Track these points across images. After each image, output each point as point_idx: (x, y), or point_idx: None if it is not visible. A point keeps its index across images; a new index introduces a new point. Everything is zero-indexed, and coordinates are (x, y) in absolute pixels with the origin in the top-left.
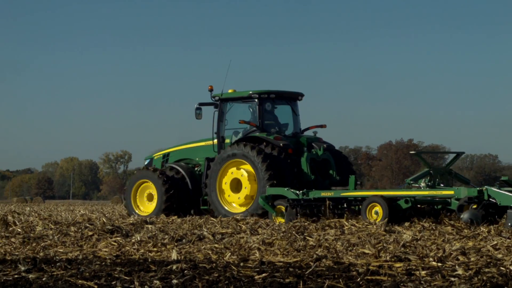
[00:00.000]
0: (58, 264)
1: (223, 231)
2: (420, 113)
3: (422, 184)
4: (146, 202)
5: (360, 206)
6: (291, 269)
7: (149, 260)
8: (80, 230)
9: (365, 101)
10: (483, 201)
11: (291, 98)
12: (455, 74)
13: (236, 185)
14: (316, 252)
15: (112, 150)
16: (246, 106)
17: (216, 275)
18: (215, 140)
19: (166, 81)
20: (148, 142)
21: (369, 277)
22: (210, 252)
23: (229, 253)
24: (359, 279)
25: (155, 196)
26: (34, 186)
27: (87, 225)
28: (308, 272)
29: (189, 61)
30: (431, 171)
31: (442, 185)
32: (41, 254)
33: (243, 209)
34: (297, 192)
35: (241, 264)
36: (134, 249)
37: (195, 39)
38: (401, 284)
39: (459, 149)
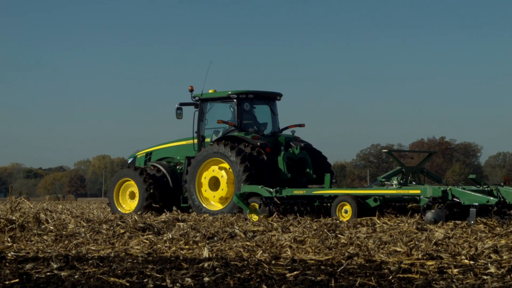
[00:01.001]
0: (90, 261)
1: (255, 228)
2: (452, 110)
3: (395, 182)
4: (128, 200)
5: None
6: (322, 267)
7: (181, 257)
8: (112, 227)
9: (397, 98)
10: (447, 201)
11: (270, 98)
12: (489, 71)
13: (214, 183)
14: (348, 250)
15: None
16: (226, 106)
17: (248, 273)
18: (196, 139)
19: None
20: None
21: (401, 275)
22: (241, 250)
23: (261, 251)
24: (391, 277)
25: (137, 194)
26: (66, 184)
27: (119, 222)
28: (339, 270)
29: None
30: (403, 170)
31: (414, 183)
32: (73, 251)
33: (221, 206)
34: (271, 190)
35: (273, 262)
36: (165, 246)
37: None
38: (433, 282)
39: (492, 147)
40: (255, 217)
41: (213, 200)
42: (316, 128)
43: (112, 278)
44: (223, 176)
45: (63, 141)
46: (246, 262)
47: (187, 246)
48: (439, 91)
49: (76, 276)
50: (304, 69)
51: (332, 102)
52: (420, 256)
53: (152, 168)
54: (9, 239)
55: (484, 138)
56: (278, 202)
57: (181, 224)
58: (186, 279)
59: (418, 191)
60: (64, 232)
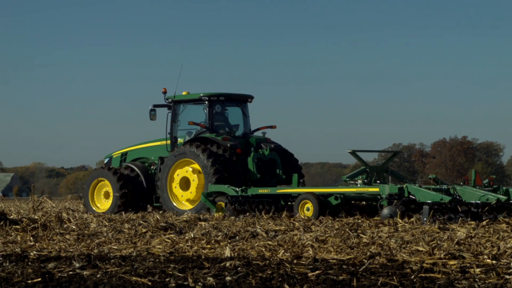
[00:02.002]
0: (112, 260)
1: (276, 228)
2: (474, 109)
3: (359, 181)
4: (103, 200)
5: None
6: (344, 267)
7: (203, 257)
8: (134, 227)
9: (419, 97)
10: (403, 198)
11: (241, 100)
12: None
13: (185, 183)
14: (370, 250)
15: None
16: (198, 107)
17: (270, 272)
18: (169, 140)
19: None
20: None
21: (423, 275)
22: (263, 249)
23: (283, 250)
24: (413, 277)
25: (111, 194)
26: None
27: (141, 222)
28: (361, 269)
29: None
30: (367, 169)
31: (378, 182)
32: (95, 251)
33: (191, 206)
34: (236, 189)
35: (295, 261)
36: (187, 246)
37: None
38: (455, 282)
39: None
40: (220, 215)
41: (184, 200)
42: (336, 127)
43: (134, 278)
44: (193, 177)
45: (85, 140)
46: (268, 262)
47: (209, 246)
48: (461, 90)
49: (98, 275)
50: (320, 69)
51: (352, 102)
52: (442, 255)
53: (126, 168)
54: (31, 238)
55: (507, 137)
56: (241, 200)
57: (203, 223)
58: (208, 278)
59: (377, 189)
60: (86, 231)
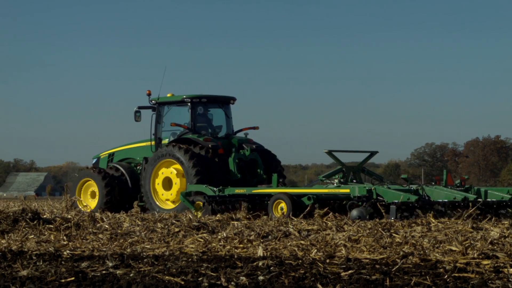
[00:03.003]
0: (145, 260)
1: (309, 227)
2: (508, 109)
3: (336, 181)
4: (90, 199)
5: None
6: (377, 266)
7: (235, 256)
8: (166, 226)
9: (452, 97)
10: (372, 199)
11: (224, 102)
12: None
13: (167, 183)
14: (403, 249)
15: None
16: (182, 109)
17: (302, 271)
18: (154, 141)
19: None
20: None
21: (456, 275)
22: (296, 248)
23: (315, 250)
24: (446, 276)
25: (97, 194)
26: None
27: (174, 221)
28: (394, 269)
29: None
30: (343, 169)
31: (354, 181)
32: (128, 250)
33: (174, 205)
34: (214, 189)
35: (327, 260)
36: (220, 245)
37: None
38: (489, 281)
39: None
40: (199, 215)
41: (166, 199)
42: (365, 127)
43: (167, 277)
44: (175, 178)
45: (118, 140)
46: (300, 261)
47: (241, 245)
48: (495, 89)
49: (131, 275)
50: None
51: (385, 101)
52: (475, 255)
53: (111, 168)
54: (65, 237)
55: None
56: (218, 200)
57: (236, 223)
58: (241, 277)
59: (348, 190)
60: (119, 231)
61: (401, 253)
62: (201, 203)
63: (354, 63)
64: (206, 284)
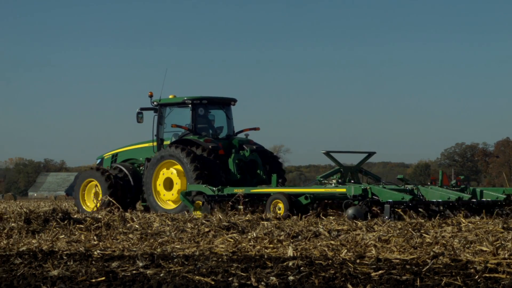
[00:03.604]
0: (175, 260)
1: (339, 227)
2: None
3: (334, 181)
4: (93, 199)
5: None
6: (407, 266)
7: (265, 256)
8: (196, 226)
9: (483, 96)
10: (367, 199)
11: (224, 104)
12: None
13: (169, 184)
14: (433, 249)
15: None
16: (184, 110)
17: (332, 272)
18: (155, 142)
19: None
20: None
21: (487, 275)
22: (326, 248)
23: (345, 250)
24: (477, 277)
25: (100, 194)
26: None
27: (204, 221)
28: (425, 269)
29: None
30: (341, 169)
31: (352, 181)
32: (159, 250)
33: (175, 205)
34: (213, 188)
35: (357, 261)
36: (250, 245)
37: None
38: None
39: None
40: (199, 214)
41: (167, 200)
42: (400, 128)
43: (197, 277)
44: (176, 178)
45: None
46: (330, 261)
47: (271, 245)
48: None
49: (161, 275)
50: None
51: (416, 101)
52: (506, 255)
53: (115, 169)
54: (95, 237)
55: None
56: (217, 199)
57: (265, 223)
58: (271, 278)
59: (344, 190)
60: (149, 231)
61: (432, 253)
62: (200, 203)
63: (376, 61)
64: (236, 284)
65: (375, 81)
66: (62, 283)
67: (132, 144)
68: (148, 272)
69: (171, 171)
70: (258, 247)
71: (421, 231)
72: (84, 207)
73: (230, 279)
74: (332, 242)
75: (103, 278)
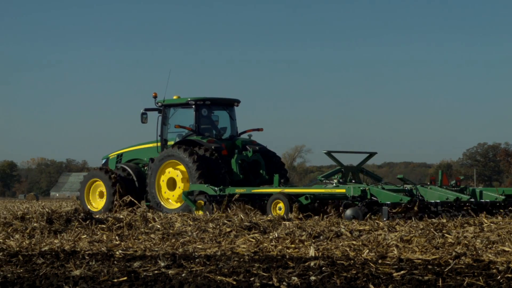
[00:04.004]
0: (197, 260)
1: (361, 228)
2: None
3: (335, 181)
4: (98, 199)
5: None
6: (429, 267)
7: (287, 256)
8: (218, 226)
9: (505, 95)
10: (366, 199)
11: (228, 104)
12: None
13: (172, 184)
14: (455, 250)
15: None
16: (187, 111)
17: (354, 272)
18: (159, 142)
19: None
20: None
21: (509, 275)
22: (347, 249)
23: (367, 250)
24: (499, 277)
25: (105, 194)
26: None
27: (225, 221)
28: (447, 269)
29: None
30: (342, 169)
31: (353, 181)
32: (180, 250)
33: (178, 205)
34: (215, 188)
35: (379, 261)
36: (272, 245)
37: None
38: None
39: None
40: (201, 213)
41: (171, 199)
42: (421, 128)
43: (219, 277)
44: (179, 177)
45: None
46: (352, 261)
47: (293, 245)
48: None
49: (183, 275)
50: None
51: (438, 101)
52: None
53: (119, 169)
54: (117, 237)
55: None
56: (219, 199)
57: (287, 223)
58: (293, 278)
59: (344, 190)
60: (171, 231)
61: (454, 253)
62: (202, 202)
63: (397, 61)
64: (258, 284)
65: (399, 81)
66: (84, 283)
67: (136, 144)
68: (170, 272)
69: (174, 171)
70: (280, 247)
71: (443, 231)
72: (89, 206)
73: (251, 279)
74: (354, 242)
75: (125, 278)
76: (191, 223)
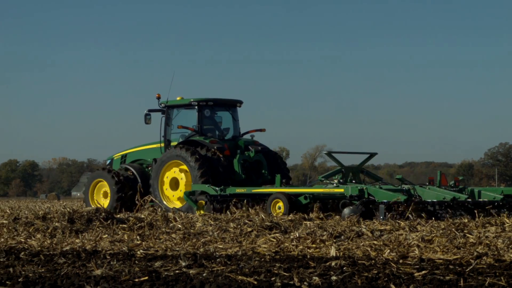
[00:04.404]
0: (218, 259)
1: (382, 228)
2: None
3: (335, 181)
4: (102, 199)
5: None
6: (451, 267)
7: (308, 256)
8: (239, 226)
9: None
10: (363, 199)
11: (230, 105)
12: None
13: (175, 183)
14: (477, 250)
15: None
16: (190, 112)
17: (375, 272)
18: (163, 143)
19: None
20: (304, 138)
21: None
22: (369, 248)
23: (388, 250)
24: None
25: (109, 194)
26: None
27: (246, 221)
28: (468, 269)
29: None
30: (343, 170)
31: (354, 181)
32: (201, 249)
33: (181, 205)
34: (216, 188)
35: (400, 261)
36: (293, 245)
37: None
38: None
39: None
40: (202, 213)
41: (173, 199)
42: (443, 126)
43: (240, 277)
44: (182, 178)
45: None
46: (373, 261)
47: (314, 245)
48: None
49: (204, 274)
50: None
51: (459, 101)
52: None
53: (123, 169)
54: (138, 237)
55: None
56: (219, 199)
57: (308, 223)
58: (314, 277)
59: (342, 190)
60: (192, 230)
61: (475, 253)
62: (203, 202)
63: (422, 61)
64: (279, 284)
65: (422, 80)
66: (106, 283)
67: (140, 145)
68: (191, 271)
69: (177, 171)
70: (301, 247)
71: (465, 231)
72: (92, 205)
73: (272, 279)
74: (375, 242)
75: (146, 277)
76: (212, 222)
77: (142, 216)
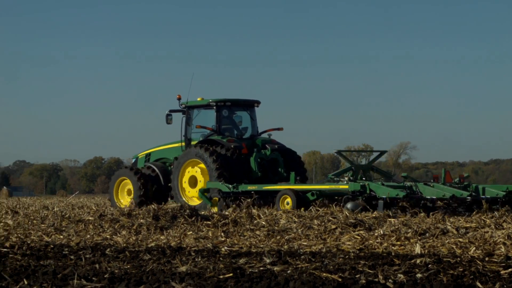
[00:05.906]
0: (302, 256)
1: (467, 225)
2: None
3: (346, 179)
4: (126, 197)
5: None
6: None
7: (393, 253)
8: (323, 223)
9: None
10: (365, 194)
11: (248, 105)
12: None
13: (194, 181)
14: None
15: (353, 143)
16: (209, 112)
17: (461, 269)
18: (184, 142)
19: None
20: (390, 136)
21: None
22: (454, 246)
23: (474, 248)
24: None
25: (133, 191)
26: None
27: (330, 218)
28: None
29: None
30: (353, 168)
31: (364, 179)
32: (285, 246)
33: (199, 201)
34: (229, 185)
35: (486, 258)
36: (377, 242)
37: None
38: None
39: None
40: (215, 210)
41: (193, 197)
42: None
43: (324, 274)
44: (200, 176)
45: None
46: (459, 259)
47: (398, 242)
48: None
49: (288, 271)
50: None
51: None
52: None
53: (146, 168)
54: (222, 234)
55: None
56: (232, 196)
57: (392, 220)
58: (399, 275)
59: (347, 186)
60: (276, 228)
61: None
62: (217, 199)
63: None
64: (364, 281)
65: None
66: (191, 279)
67: (163, 144)
68: (275, 268)
69: (196, 169)
70: (385, 244)
71: None
72: (118, 204)
73: (357, 276)
74: (460, 239)
75: (231, 274)
76: (296, 220)
77: (226, 213)
